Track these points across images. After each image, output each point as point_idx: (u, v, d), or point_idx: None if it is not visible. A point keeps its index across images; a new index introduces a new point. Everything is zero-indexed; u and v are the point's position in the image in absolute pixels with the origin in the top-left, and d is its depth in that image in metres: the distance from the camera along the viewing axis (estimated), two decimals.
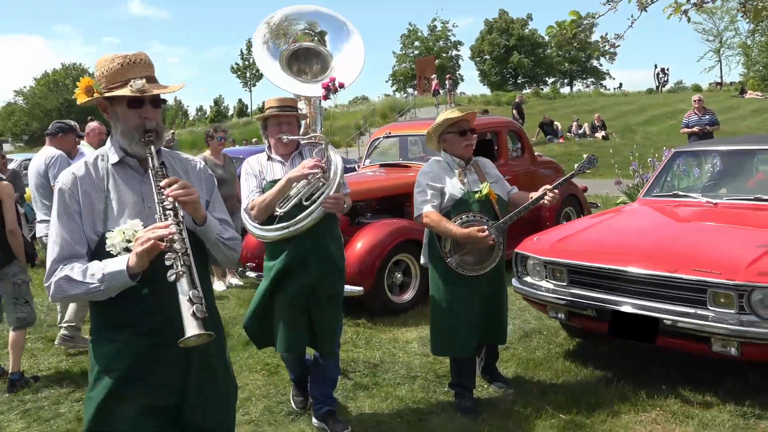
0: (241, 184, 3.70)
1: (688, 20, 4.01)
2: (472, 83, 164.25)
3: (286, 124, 3.65)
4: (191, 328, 1.84)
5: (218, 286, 7.04)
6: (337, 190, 3.51)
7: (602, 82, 63.73)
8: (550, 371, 4.46)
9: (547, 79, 61.19)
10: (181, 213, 2.07)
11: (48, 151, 5.52)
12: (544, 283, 4.54)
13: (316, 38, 3.81)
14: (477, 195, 3.84)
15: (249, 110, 62.12)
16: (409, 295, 6.08)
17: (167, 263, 1.96)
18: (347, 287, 5.68)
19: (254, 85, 58.91)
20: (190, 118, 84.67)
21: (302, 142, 3.66)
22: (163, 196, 2.07)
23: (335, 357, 3.82)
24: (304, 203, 3.47)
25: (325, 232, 3.59)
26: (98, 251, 2.14)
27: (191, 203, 2.13)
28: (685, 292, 3.81)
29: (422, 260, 4.11)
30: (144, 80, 2.16)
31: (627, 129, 25.32)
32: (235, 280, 7.31)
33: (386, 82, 66.67)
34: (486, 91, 51.95)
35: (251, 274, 6.43)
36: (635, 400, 3.89)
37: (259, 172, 3.67)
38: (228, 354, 2.49)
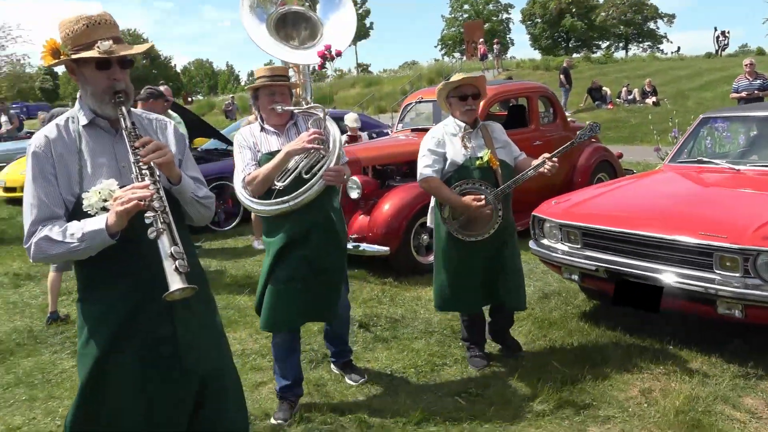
0: (235, 156, 3.54)
1: None
2: (522, 47, 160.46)
3: (279, 94, 3.50)
4: (175, 283, 1.89)
5: (257, 244, 7.37)
6: (336, 162, 3.44)
7: (659, 45, 61.54)
8: (563, 330, 4.62)
9: (600, 42, 59.41)
10: (157, 172, 2.10)
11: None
12: (559, 246, 4.68)
13: (307, 2, 3.74)
14: (478, 162, 3.85)
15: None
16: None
17: (147, 221, 1.99)
18: (374, 247, 5.98)
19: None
20: (242, 83, 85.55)
21: (296, 111, 3.58)
22: (139, 157, 2.09)
23: (345, 324, 3.97)
24: (304, 176, 3.38)
25: (327, 205, 3.51)
26: (75, 212, 2.15)
27: (166, 164, 2.15)
28: (693, 255, 3.90)
29: (428, 222, 4.23)
30: (111, 41, 2.13)
31: (679, 95, 24.56)
32: None
33: (435, 47, 65.80)
34: (536, 55, 51.00)
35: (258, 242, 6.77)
36: (640, 359, 4.04)
37: (254, 143, 3.52)
38: (213, 302, 2.52)
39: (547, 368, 3.98)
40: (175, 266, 1.89)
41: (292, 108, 3.52)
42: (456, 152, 3.89)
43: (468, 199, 3.78)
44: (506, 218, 3.95)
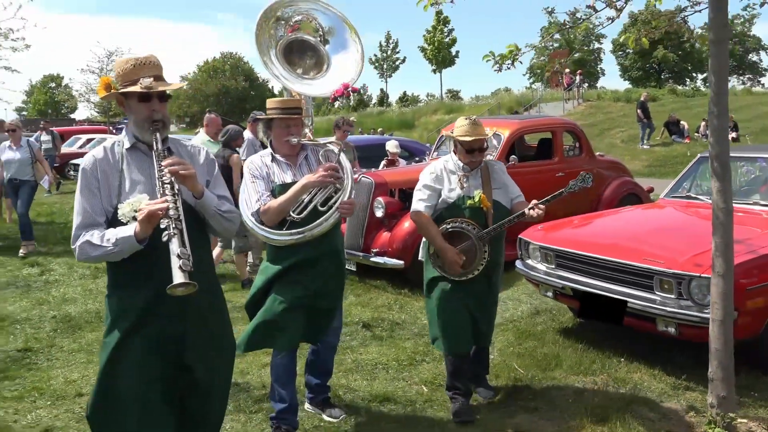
0: (245, 184, 3.59)
1: None
2: (613, 78, 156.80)
3: (294, 126, 3.62)
4: (177, 278, 2.17)
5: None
6: (350, 195, 3.55)
7: (760, 79, 59.00)
8: (537, 341, 5.20)
9: (694, 74, 57.63)
10: (176, 187, 2.41)
11: (246, 134, 7.48)
12: (539, 265, 5.29)
13: (319, 37, 3.89)
14: (469, 202, 3.87)
15: (388, 100, 64.18)
16: None
17: (162, 227, 2.31)
18: (392, 260, 6.74)
19: (390, 76, 60.69)
20: (336, 106, 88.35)
21: (310, 144, 3.70)
22: (163, 173, 2.43)
23: (331, 349, 3.98)
24: (320, 209, 3.47)
25: (336, 235, 3.67)
26: (113, 221, 2.50)
27: (188, 177, 2.47)
28: (638, 278, 4.44)
29: (419, 255, 4.28)
30: (152, 79, 2.51)
31: (764, 130, 23.88)
32: None
33: (523, 75, 65.83)
34: (626, 85, 50.19)
35: None
36: (591, 366, 4.59)
37: (267, 174, 3.59)
38: (226, 314, 2.84)
39: (506, 368, 4.59)
40: (180, 264, 2.18)
41: (308, 142, 3.68)
42: (450, 190, 3.92)
43: (450, 250, 3.79)
44: (495, 258, 3.94)
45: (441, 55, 50.90)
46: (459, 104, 40.18)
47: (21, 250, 8.60)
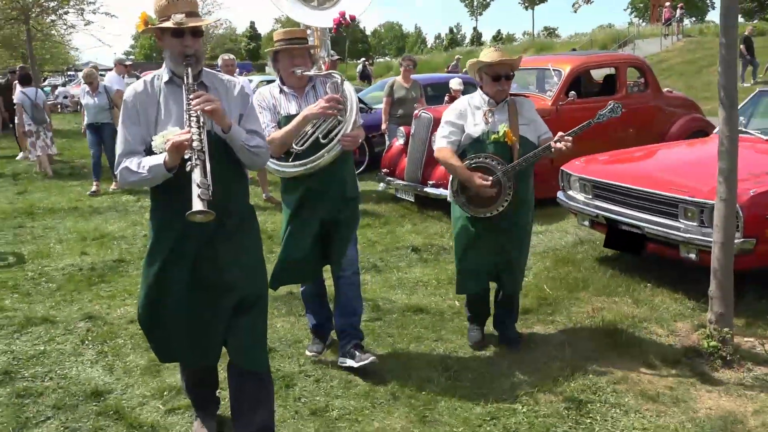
0: None
1: None
2: None
3: (299, 57, 3.58)
4: (196, 205, 2.28)
5: (265, 195, 8.53)
6: (353, 127, 3.51)
7: None
8: (573, 267, 5.48)
9: None
10: (202, 120, 2.47)
11: None
12: (578, 196, 5.54)
13: None
14: (494, 136, 3.77)
15: (481, 39, 62.72)
16: None
17: (185, 158, 2.41)
18: (445, 191, 7.10)
19: (480, 14, 59.16)
20: (428, 45, 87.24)
21: (315, 75, 3.65)
22: (190, 107, 2.50)
23: (354, 286, 3.84)
24: (321, 141, 3.48)
25: (343, 166, 3.61)
26: (151, 150, 2.62)
27: (215, 111, 2.52)
28: (665, 206, 4.64)
29: (448, 196, 4.15)
30: (183, 15, 2.58)
31: None
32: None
33: (624, 10, 62.38)
34: (740, 19, 46.56)
35: (381, 185, 8.15)
36: (616, 289, 4.86)
37: (273, 105, 3.61)
38: (257, 236, 2.94)
39: (535, 288, 4.95)
40: (199, 193, 2.29)
41: (311, 73, 3.60)
42: (474, 125, 3.83)
43: (475, 176, 3.70)
44: (522, 196, 3.84)
45: None
46: (550, 42, 38.90)
47: (112, 186, 9.39)
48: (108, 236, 6.87)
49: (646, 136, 7.70)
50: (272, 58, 3.72)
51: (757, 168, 4.70)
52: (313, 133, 3.49)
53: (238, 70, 11.64)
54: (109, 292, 5.19)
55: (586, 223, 5.50)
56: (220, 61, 8.38)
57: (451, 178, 3.94)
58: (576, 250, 5.98)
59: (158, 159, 2.54)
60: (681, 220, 4.52)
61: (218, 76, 2.84)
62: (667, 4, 33.21)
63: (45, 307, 4.84)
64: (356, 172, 3.80)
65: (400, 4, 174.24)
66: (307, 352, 3.96)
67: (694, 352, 3.77)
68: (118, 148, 2.68)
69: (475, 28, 65.95)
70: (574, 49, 28.08)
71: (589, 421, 3.17)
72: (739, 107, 6.23)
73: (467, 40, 67.11)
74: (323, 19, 3.83)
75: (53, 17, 12.76)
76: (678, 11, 31.14)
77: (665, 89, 8.87)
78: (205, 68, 2.76)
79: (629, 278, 5.10)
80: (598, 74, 9.17)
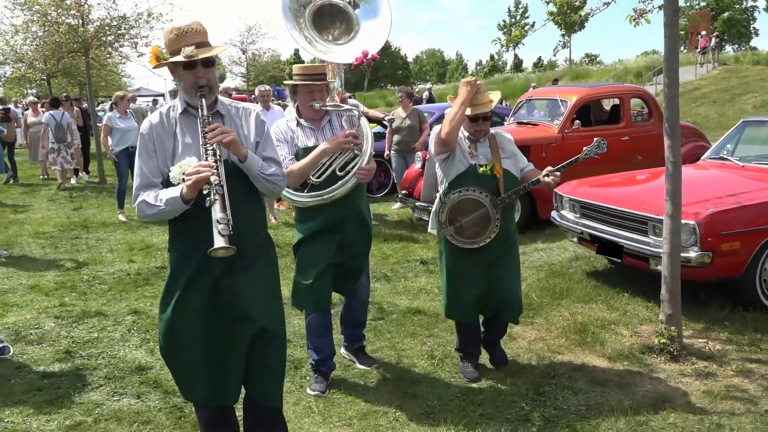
0: None
1: None
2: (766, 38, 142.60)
3: (317, 92, 3.71)
4: (217, 242, 2.27)
5: (273, 219, 9.16)
6: (368, 161, 3.68)
7: None
8: (564, 279, 6.05)
9: None
10: (219, 153, 2.47)
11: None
12: (568, 215, 6.14)
13: None
14: (481, 169, 3.84)
15: (522, 66, 63.34)
16: None
17: (204, 193, 2.38)
18: None
19: (517, 45, 59.88)
20: (469, 72, 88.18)
21: (332, 109, 3.78)
22: (206, 139, 2.49)
23: (363, 305, 4.18)
24: (338, 173, 3.62)
25: (358, 198, 3.80)
26: (168, 182, 2.60)
27: (230, 143, 2.54)
28: (637, 224, 5.22)
29: (429, 227, 4.40)
30: (193, 47, 2.55)
31: None
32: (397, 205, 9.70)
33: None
34: None
35: (397, 205, 8.83)
36: (596, 297, 5.43)
37: (291, 138, 3.73)
38: (275, 265, 2.92)
39: (524, 297, 5.54)
40: (219, 229, 2.28)
41: (329, 107, 3.76)
42: (461, 158, 3.89)
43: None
44: (506, 228, 3.90)
45: (570, 19, 49.55)
46: (586, 69, 39.25)
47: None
48: (152, 247, 7.72)
49: (652, 163, 8.22)
50: (290, 90, 3.92)
51: (722, 190, 5.26)
52: (330, 165, 3.65)
53: (276, 94, 12.48)
54: (152, 292, 5.99)
55: (575, 239, 6.09)
56: (256, 92, 9.20)
57: (435, 210, 4.05)
58: (570, 265, 6.56)
59: (175, 191, 2.53)
60: (650, 236, 5.09)
61: (233, 104, 2.86)
62: (703, 33, 33.38)
63: (98, 304, 5.66)
64: (382, 194, 4.06)
65: (442, 31, 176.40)
66: (310, 391, 3.89)
67: (648, 348, 4.33)
68: (135, 181, 2.72)
69: (516, 55, 66.52)
70: (555, 80, 29.28)
71: (543, 398, 3.77)
72: (724, 135, 6.82)
73: (508, 67, 67.75)
74: (342, 56, 4.00)
75: (110, 50, 13.93)
76: (713, 39, 31.32)
77: None
78: (219, 96, 2.79)
79: (609, 288, 5.66)
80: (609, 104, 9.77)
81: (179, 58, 2.58)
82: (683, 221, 4.80)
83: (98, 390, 4.01)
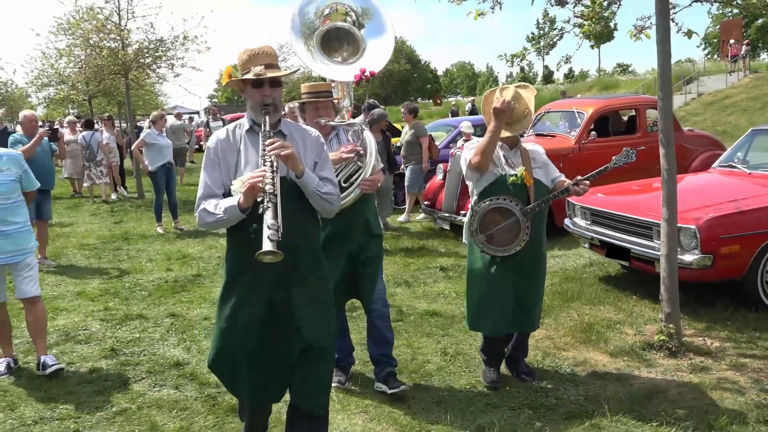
0: None
1: None
2: None
3: (323, 109, 3.89)
4: (266, 246, 2.33)
5: (402, 218, 9.94)
6: (372, 172, 3.81)
7: None
8: (577, 283, 6.32)
9: None
10: (275, 165, 2.56)
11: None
12: (580, 222, 6.42)
13: (349, 19, 4.19)
14: (512, 178, 3.90)
15: (553, 77, 63.28)
16: None
17: (258, 200, 2.52)
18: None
19: (548, 53, 59.86)
20: (500, 84, 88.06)
21: (338, 125, 3.96)
22: (265, 152, 2.61)
23: (385, 318, 4.17)
24: (343, 185, 3.73)
25: (365, 207, 3.92)
26: (230, 194, 2.71)
27: (290, 157, 2.64)
28: (643, 229, 5.49)
29: (463, 239, 4.35)
30: (262, 67, 2.72)
31: None
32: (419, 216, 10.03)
33: (697, 46, 61.81)
34: None
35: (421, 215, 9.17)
36: (605, 300, 5.69)
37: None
38: (326, 280, 2.99)
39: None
40: (269, 234, 2.34)
41: (334, 123, 3.95)
42: (495, 166, 3.95)
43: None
44: (537, 237, 3.96)
45: (598, 29, 49.52)
46: (615, 80, 39.20)
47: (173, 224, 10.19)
48: (188, 256, 8.20)
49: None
50: (299, 108, 4.10)
51: (725, 197, 5.51)
52: (336, 178, 3.66)
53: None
54: (188, 298, 6.43)
55: (586, 245, 6.36)
56: (286, 109, 9.67)
57: (468, 219, 4.01)
58: (583, 270, 6.82)
59: (233, 200, 2.66)
60: (655, 241, 5.35)
61: (296, 126, 3.00)
62: (732, 41, 33.15)
63: (139, 308, 6.12)
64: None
65: (473, 43, 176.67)
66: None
67: (649, 345, 4.60)
68: (199, 192, 2.84)
69: (546, 66, 66.52)
70: (563, 93, 29.12)
71: (545, 390, 4.07)
72: (734, 144, 7.03)
73: (539, 78, 67.71)
74: (345, 74, 4.15)
75: (148, 71, 14.62)
76: (744, 48, 31.07)
77: (686, 128, 9.60)
78: (284, 118, 2.93)
79: (619, 291, 5.93)
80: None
81: (249, 76, 2.75)
82: (685, 226, 5.10)
83: (140, 382, 4.43)
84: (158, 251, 8.63)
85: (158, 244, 9.09)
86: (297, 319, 2.80)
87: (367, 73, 4.06)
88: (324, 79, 4.21)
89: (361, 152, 3.82)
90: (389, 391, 4.01)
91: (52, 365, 4.53)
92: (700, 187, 6.25)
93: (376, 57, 4.21)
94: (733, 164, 6.57)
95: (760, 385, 3.95)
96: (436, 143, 11.24)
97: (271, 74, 2.74)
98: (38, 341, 4.65)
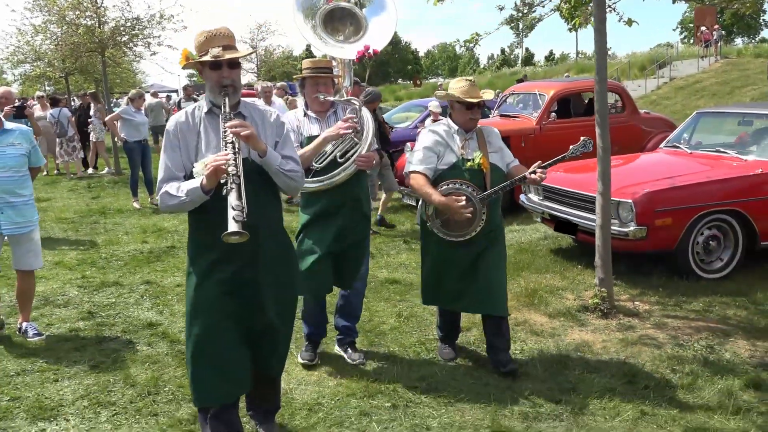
0: None
1: None
2: None
3: (322, 85, 3.93)
4: (231, 227, 2.38)
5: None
6: (368, 149, 3.87)
7: None
8: (530, 255, 6.75)
9: None
10: (237, 146, 2.58)
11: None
12: (534, 197, 6.84)
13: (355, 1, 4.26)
14: (469, 163, 3.91)
15: (533, 60, 63.65)
16: None
17: (221, 182, 2.53)
18: None
19: (527, 36, 60.23)
20: (481, 66, 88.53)
21: (337, 101, 4.00)
22: (226, 133, 2.63)
23: (359, 295, 4.33)
24: (339, 160, 3.81)
25: (357, 185, 3.96)
26: (191, 176, 2.74)
27: (249, 137, 2.66)
28: (587, 203, 5.91)
29: (416, 219, 4.71)
30: (220, 48, 2.70)
31: None
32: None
33: (673, 30, 62.56)
34: None
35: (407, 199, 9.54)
36: (552, 269, 6.13)
37: (297, 127, 3.94)
38: (293, 261, 3.15)
39: None
40: (234, 215, 2.39)
41: (332, 98, 3.97)
42: (452, 152, 3.96)
43: (451, 199, 3.81)
44: (492, 222, 3.98)
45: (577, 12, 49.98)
46: (593, 63, 39.56)
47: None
48: (164, 230, 8.51)
49: (625, 152, 8.85)
50: (299, 83, 4.12)
51: (663, 174, 5.95)
52: (332, 152, 3.86)
53: (290, 88, 13.04)
54: (162, 267, 6.76)
55: (538, 219, 6.79)
56: (258, 88, 9.97)
57: (422, 202, 4.07)
58: (537, 243, 7.26)
59: (195, 182, 2.68)
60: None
61: (256, 106, 3.03)
62: (702, 28, 33.78)
63: (115, 276, 6.45)
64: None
65: (455, 25, 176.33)
66: (300, 359, 4.23)
67: (584, 308, 5.04)
68: (159, 175, 2.86)
69: (527, 49, 66.85)
70: (567, 75, 30.18)
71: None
72: (681, 125, 7.48)
73: (519, 60, 68.10)
74: (347, 52, 4.19)
75: (125, 49, 14.75)
76: (715, 33, 31.70)
77: (643, 111, 10.06)
78: (243, 99, 2.94)
79: (566, 262, 6.37)
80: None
81: (206, 58, 2.75)
82: (623, 200, 5.53)
83: (115, 341, 4.78)
84: (134, 225, 8.93)
85: (134, 219, 9.38)
86: (262, 298, 2.89)
87: (370, 51, 4.18)
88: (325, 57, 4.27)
89: (359, 129, 3.87)
90: (348, 360, 4.24)
91: (33, 336, 4.76)
92: (644, 165, 6.71)
93: (378, 36, 4.30)
94: (678, 144, 7.02)
95: (676, 341, 4.41)
96: (408, 123, 11.61)
97: (229, 56, 2.77)
98: (25, 309, 4.95)
